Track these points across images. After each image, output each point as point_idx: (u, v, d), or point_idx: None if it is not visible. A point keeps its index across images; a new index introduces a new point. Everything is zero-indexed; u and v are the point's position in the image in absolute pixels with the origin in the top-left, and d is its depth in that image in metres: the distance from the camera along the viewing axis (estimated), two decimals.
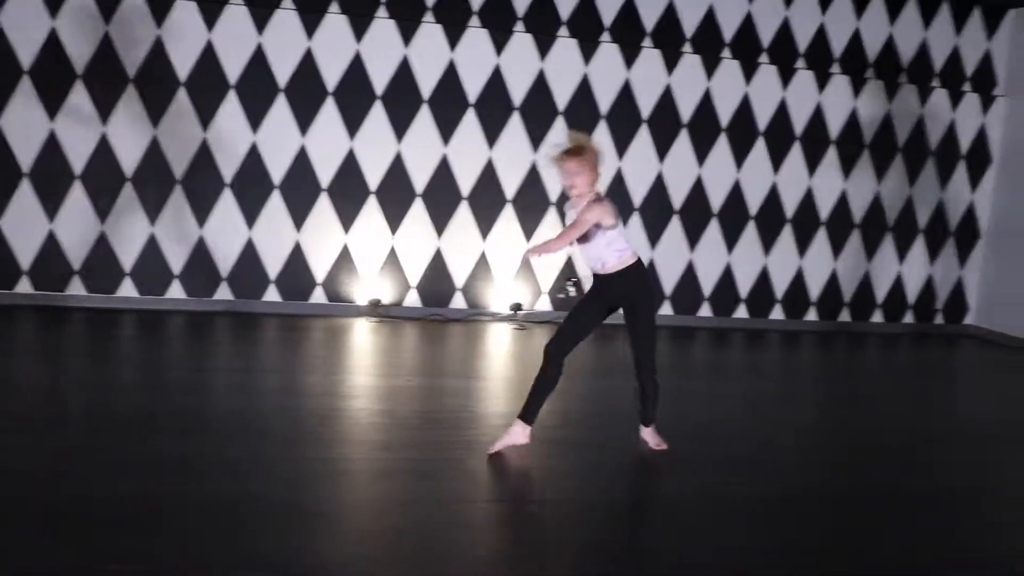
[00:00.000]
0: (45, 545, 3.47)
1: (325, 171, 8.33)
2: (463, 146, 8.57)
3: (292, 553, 3.59)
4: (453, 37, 8.40)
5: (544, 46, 8.59)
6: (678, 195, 9.07)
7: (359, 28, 8.20)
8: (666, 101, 8.93)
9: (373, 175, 8.44)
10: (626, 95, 8.85)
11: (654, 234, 9.07)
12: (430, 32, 8.34)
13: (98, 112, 7.77)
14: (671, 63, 8.89)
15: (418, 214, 8.59)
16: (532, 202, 8.78)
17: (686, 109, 8.99)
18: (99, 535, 3.60)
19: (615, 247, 4.83)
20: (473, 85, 8.51)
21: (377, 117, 8.36)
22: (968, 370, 8.84)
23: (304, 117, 8.20)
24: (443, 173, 8.58)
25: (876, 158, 9.57)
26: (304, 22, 8.07)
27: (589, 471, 4.87)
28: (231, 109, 8.04)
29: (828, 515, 4.48)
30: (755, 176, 9.27)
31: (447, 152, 8.55)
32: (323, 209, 8.38)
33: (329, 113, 8.25)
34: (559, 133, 8.65)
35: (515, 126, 8.64)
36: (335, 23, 8.14)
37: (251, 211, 8.23)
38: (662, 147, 8.96)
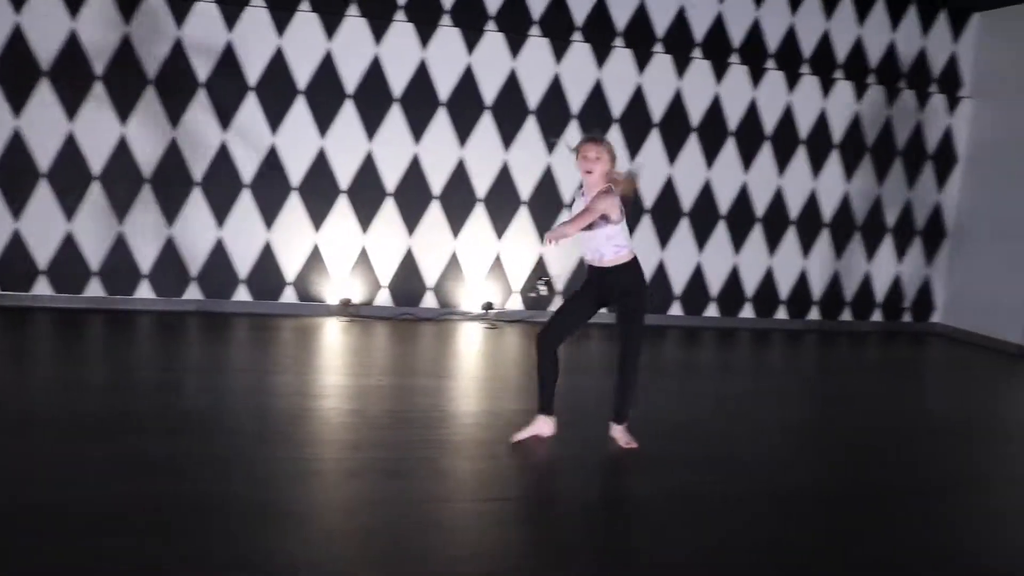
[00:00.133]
0: (21, 545, 3.44)
1: (296, 170, 8.29)
2: (434, 145, 8.55)
3: (263, 553, 3.57)
4: (425, 36, 8.38)
5: (515, 45, 8.60)
6: (650, 194, 9.10)
7: (330, 26, 8.17)
8: (638, 101, 8.98)
9: (344, 174, 8.40)
10: (597, 94, 8.88)
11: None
12: (402, 30, 8.32)
13: (65, 111, 7.70)
14: (642, 62, 8.93)
15: (389, 213, 8.56)
16: (503, 201, 8.78)
17: (657, 108, 9.03)
18: (68, 537, 3.56)
19: (614, 242, 4.90)
20: (444, 84, 8.50)
21: (348, 116, 8.32)
22: (936, 368, 8.93)
23: (275, 115, 8.16)
24: (414, 172, 8.55)
25: (845, 158, 9.66)
26: (275, 19, 8.04)
27: (563, 469, 4.88)
28: (201, 106, 7.98)
29: (806, 513, 4.50)
30: (725, 175, 9.32)
31: (418, 151, 8.53)
32: (294, 208, 8.34)
33: (300, 112, 8.21)
34: (531, 132, 8.68)
35: (487, 125, 8.63)
36: (305, 21, 8.11)
37: (221, 210, 8.18)
38: (634, 145, 8.99)
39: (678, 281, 9.37)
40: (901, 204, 9.94)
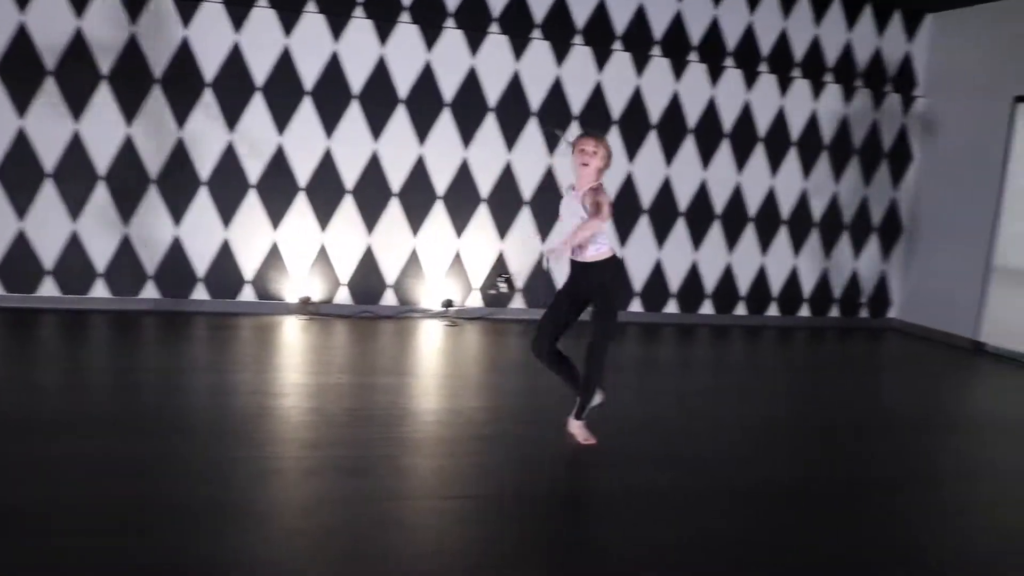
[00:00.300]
0: None
1: (254, 167, 8.21)
2: (394, 143, 8.51)
3: (222, 552, 3.53)
4: (384, 33, 8.34)
5: (474, 42, 8.58)
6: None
7: (288, 22, 8.11)
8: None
9: (303, 172, 8.34)
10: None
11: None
12: (360, 26, 8.28)
13: (14, 106, 7.57)
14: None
15: (348, 211, 8.51)
16: (463, 199, 8.76)
17: (616, 106, 9.07)
18: (25, 539, 3.50)
19: (596, 239, 4.94)
20: (403, 81, 8.46)
21: (306, 113, 8.26)
22: (893, 363, 9.04)
23: (232, 112, 8.08)
24: (373, 170, 8.51)
25: (803, 156, 9.76)
26: (231, 15, 7.96)
27: (523, 466, 4.88)
28: (156, 102, 7.88)
29: (766, 509, 4.53)
30: (685, 174, 9.38)
31: (377, 148, 8.48)
32: (252, 206, 8.26)
33: (257, 109, 8.14)
34: (490, 129, 8.67)
35: (446, 123, 8.61)
36: (263, 16, 8.04)
37: (178, 208, 8.08)
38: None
39: (638, 280, 9.42)
40: (858, 201, 10.06)
